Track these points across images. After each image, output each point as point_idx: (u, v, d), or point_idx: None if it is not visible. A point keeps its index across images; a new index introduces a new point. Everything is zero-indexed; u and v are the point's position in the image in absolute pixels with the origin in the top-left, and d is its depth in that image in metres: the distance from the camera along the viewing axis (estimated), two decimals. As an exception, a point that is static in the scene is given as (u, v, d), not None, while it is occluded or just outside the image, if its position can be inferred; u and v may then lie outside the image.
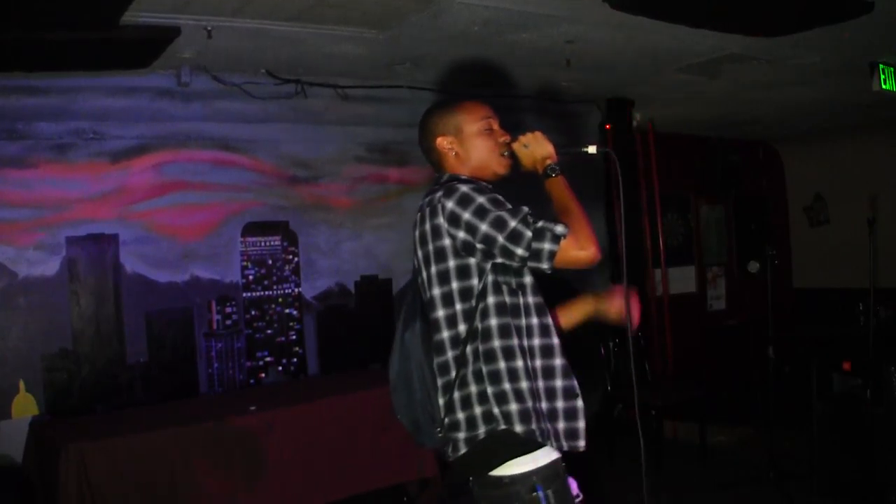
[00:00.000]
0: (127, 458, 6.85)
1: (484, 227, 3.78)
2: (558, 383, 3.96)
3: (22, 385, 8.10)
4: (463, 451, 3.88)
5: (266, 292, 9.58)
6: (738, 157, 14.26)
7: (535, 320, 3.99)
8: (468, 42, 7.92)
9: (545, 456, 3.86)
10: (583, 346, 11.27)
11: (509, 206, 3.91)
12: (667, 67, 9.32)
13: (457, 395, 3.85)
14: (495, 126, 4.44)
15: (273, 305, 9.63)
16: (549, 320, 4.05)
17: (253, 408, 7.91)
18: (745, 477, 9.24)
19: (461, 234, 3.82)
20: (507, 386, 3.78)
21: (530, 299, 4.00)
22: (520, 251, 3.76)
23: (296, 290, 9.77)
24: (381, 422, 8.37)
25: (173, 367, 8.93)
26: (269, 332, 9.57)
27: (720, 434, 10.55)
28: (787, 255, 15.08)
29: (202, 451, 7.33)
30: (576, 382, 4.01)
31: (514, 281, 3.94)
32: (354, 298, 10.19)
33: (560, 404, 3.94)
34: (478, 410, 3.81)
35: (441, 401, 3.93)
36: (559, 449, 3.94)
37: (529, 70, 9.21)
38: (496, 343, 3.82)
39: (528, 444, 3.79)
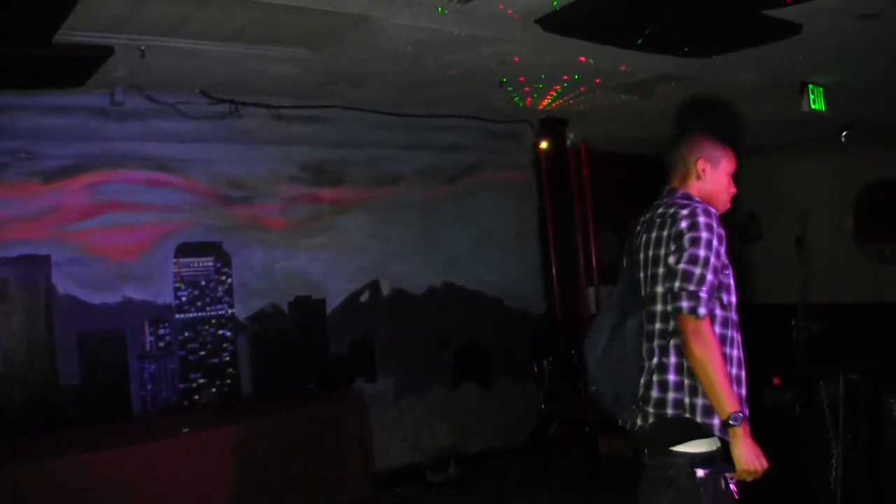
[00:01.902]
0: (62, 481, 6.82)
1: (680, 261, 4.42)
2: (742, 391, 4.47)
3: (-47, 408, 8.04)
4: (648, 424, 4.51)
5: (199, 313, 9.53)
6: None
7: (737, 335, 4.56)
8: (402, 62, 7.92)
9: (709, 445, 4.45)
10: (517, 363, 11.35)
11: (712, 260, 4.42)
12: (599, 87, 9.37)
13: (655, 378, 4.48)
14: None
15: (206, 327, 9.58)
16: (736, 333, 4.55)
17: (186, 429, 7.88)
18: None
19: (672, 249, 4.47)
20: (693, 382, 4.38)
21: (734, 316, 4.57)
22: (669, 307, 4.40)
23: (229, 311, 9.73)
24: (315, 441, 8.38)
25: (106, 389, 8.85)
26: (202, 353, 9.52)
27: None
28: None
29: (137, 473, 7.30)
30: (744, 391, 4.48)
31: (724, 297, 4.52)
32: (288, 319, 10.15)
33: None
34: (671, 396, 4.42)
35: (642, 380, 4.55)
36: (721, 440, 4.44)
37: (464, 90, 9.22)
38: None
39: (699, 432, 4.39)
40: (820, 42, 7.72)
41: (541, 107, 10.33)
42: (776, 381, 8.88)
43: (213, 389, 9.54)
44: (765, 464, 4.42)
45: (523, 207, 12.14)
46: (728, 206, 4.92)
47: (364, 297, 10.78)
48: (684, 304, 4.26)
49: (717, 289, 4.43)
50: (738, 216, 15.00)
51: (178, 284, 9.38)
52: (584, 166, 12.11)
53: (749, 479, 4.41)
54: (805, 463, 8.19)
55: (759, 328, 12.91)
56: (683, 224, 4.45)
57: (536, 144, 11.55)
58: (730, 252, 4.60)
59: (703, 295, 4.26)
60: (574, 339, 11.14)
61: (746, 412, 4.37)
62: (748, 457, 4.34)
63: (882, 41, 7.78)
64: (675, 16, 6.84)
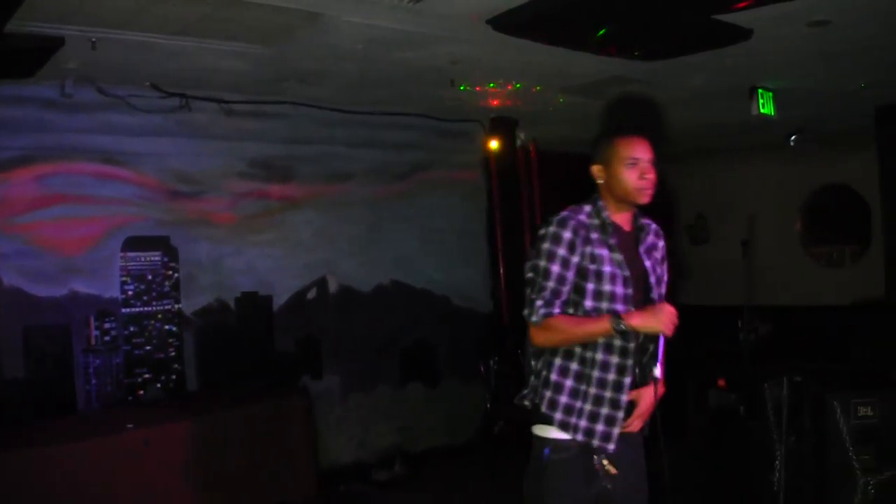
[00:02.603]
0: (3, 476, 6.77)
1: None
2: (607, 394, 4.79)
3: None
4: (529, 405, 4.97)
5: (145, 308, 9.49)
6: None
7: (601, 338, 4.76)
8: (354, 60, 7.92)
9: (560, 433, 4.82)
10: (465, 362, 11.36)
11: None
12: (549, 88, 9.39)
13: (532, 368, 5.01)
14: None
15: (152, 321, 9.54)
16: (617, 342, 4.77)
17: (130, 425, 7.84)
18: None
19: None
20: (558, 379, 4.86)
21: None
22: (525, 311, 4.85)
23: (175, 306, 9.69)
24: (260, 439, 8.37)
25: (51, 383, 8.79)
26: (148, 348, 9.48)
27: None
28: (669, 272, 15.10)
29: (80, 469, 7.26)
30: (623, 397, 4.81)
31: (586, 303, 4.79)
32: (235, 315, 10.13)
33: (604, 411, 4.79)
34: (533, 384, 4.96)
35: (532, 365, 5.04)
36: (586, 442, 4.79)
37: (415, 88, 9.23)
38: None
39: (544, 419, 4.85)
40: (770, 47, 7.78)
41: (492, 106, 10.34)
42: (721, 382, 8.92)
43: (159, 385, 9.50)
44: (668, 310, 4.73)
45: (472, 207, 12.16)
46: (644, 193, 4.86)
47: (311, 295, 10.77)
48: (525, 310, 4.80)
49: (579, 293, 4.79)
50: (685, 218, 15.10)
51: (124, 278, 9.34)
52: (534, 166, 12.13)
53: (669, 334, 4.77)
54: (749, 464, 8.24)
55: (706, 330, 13.04)
56: (539, 233, 4.90)
57: (486, 144, 11.55)
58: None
59: (538, 303, 4.73)
60: (520, 340, 11.17)
61: (618, 310, 4.73)
62: (651, 320, 4.68)
63: (832, 47, 7.84)
64: (625, 19, 6.88)
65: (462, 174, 12.12)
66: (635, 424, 4.90)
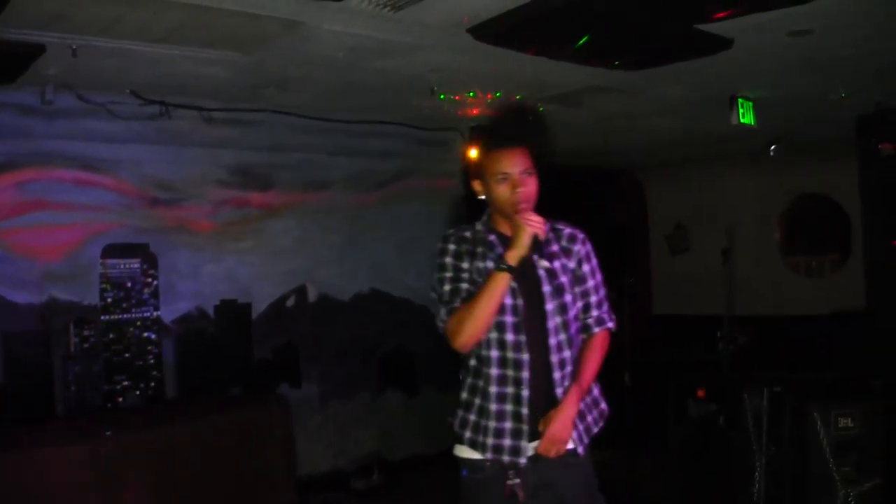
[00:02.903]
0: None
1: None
2: (507, 407, 4.79)
3: None
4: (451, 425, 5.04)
5: (125, 315, 9.50)
6: (601, 185, 14.33)
7: (493, 353, 4.82)
8: (333, 68, 7.92)
9: (473, 452, 4.88)
10: (443, 371, 11.35)
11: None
12: (529, 97, 9.40)
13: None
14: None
15: (132, 329, 9.55)
16: (509, 354, 4.79)
17: (109, 432, 7.84)
18: (606, 500, 9.32)
19: None
20: (468, 397, 4.97)
21: (490, 334, 4.82)
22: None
23: (154, 313, 9.70)
24: (239, 446, 8.38)
25: (30, 390, 8.79)
26: (127, 355, 9.49)
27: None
28: (647, 282, 15.19)
29: (58, 476, 7.26)
30: (524, 410, 4.76)
31: None
32: (214, 322, 10.14)
33: (508, 425, 4.79)
34: (458, 407, 5.00)
35: None
36: (496, 459, 4.81)
37: (394, 97, 9.22)
38: (471, 362, 4.96)
39: (457, 439, 4.95)
40: (751, 57, 7.77)
41: (472, 115, 10.34)
42: (701, 392, 8.95)
43: (137, 392, 9.50)
44: (536, 219, 4.71)
45: (452, 215, 12.12)
46: (520, 207, 4.81)
47: (290, 302, 10.79)
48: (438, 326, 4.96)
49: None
50: (664, 227, 15.09)
51: (104, 286, 9.34)
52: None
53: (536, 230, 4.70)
54: (729, 475, 8.28)
55: (685, 339, 13.05)
56: None
57: (466, 153, 11.54)
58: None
59: (441, 309, 4.88)
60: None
61: (507, 321, 4.78)
62: (524, 236, 4.64)
63: (813, 56, 7.85)
64: (606, 28, 6.89)
65: (442, 183, 12.11)
66: (550, 451, 4.76)
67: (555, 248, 5.01)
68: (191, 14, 6.25)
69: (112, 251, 9.36)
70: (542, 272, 4.87)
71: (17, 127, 8.47)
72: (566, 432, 4.76)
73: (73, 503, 7.36)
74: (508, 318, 4.75)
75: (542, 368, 4.79)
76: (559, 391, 4.80)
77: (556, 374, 4.80)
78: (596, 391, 5.14)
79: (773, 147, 11.43)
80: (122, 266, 9.47)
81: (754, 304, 12.92)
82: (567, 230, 5.14)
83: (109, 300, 9.40)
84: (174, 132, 9.31)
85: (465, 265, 4.86)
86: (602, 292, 5.15)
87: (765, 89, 9.11)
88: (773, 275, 13.59)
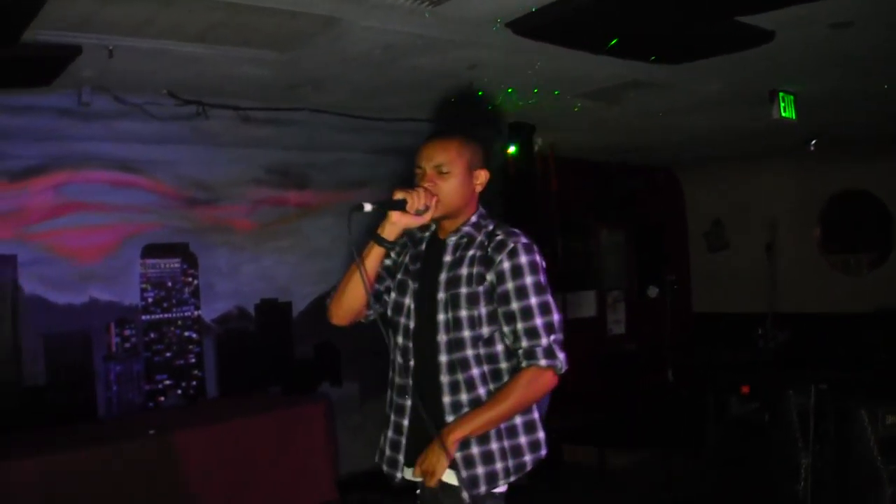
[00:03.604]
0: (25, 482, 6.77)
1: None
2: (392, 416, 4.61)
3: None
4: None
5: (165, 315, 9.51)
6: (638, 182, 14.29)
7: (392, 356, 4.65)
8: (370, 65, 7.89)
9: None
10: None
11: None
12: (568, 93, 9.35)
13: None
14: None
15: (172, 328, 9.56)
16: (399, 359, 4.56)
17: (151, 431, 7.85)
18: (643, 500, 9.29)
19: None
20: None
21: (398, 340, 4.60)
22: None
23: (195, 312, 9.72)
24: (280, 445, 8.36)
25: (71, 390, 8.82)
26: (168, 354, 9.50)
27: (619, 457, 10.58)
28: (686, 280, 15.18)
29: (100, 476, 7.27)
30: (405, 421, 4.49)
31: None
32: (254, 321, 10.14)
33: (389, 433, 4.62)
34: None
35: None
36: (388, 473, 4.64)
37: (432, 94, 9.19)
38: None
39: None
40: (791, 50, 7.70)
41: (509, 112, 10.30)
42: (745, 389, 8.87)
43: (179, 391, 9.52)
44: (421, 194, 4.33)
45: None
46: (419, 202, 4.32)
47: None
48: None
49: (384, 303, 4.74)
50: (702, 224, 15.02)
51: (144, 285, 9.36)
52: (552, 172, 12.12)
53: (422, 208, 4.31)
54: (772, 473, 8.21)
55: (724, 337, 12.99)
56: None
57: (504, 149, 11.51)
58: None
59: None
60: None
61: (399, 321, 4.58)
62: (413, 208, 4.28)
63: (854, 50, 7.77)
64: (646, 22, 6.84)
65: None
66: (425, 479, 4.26)
67: (470, 252, 4.43)
68: (227, 12, 6.24)
69: (152, 251, 9.39)
70: (442, 277, 4.40)
71: (54, 129, 8.50)
72: (438, 466, 4.19)
73: (118, 503, 7.37)
74: (402, 320, 4.53)
75: (430, 386, 4.37)
76: (449, 418, 4.29)
77: (446, 399, 4.30)
78: (523, 439, 4.44)
79: (812, 142, 11.36)
80: (162, 266, 9.49)
81: (793, 300, 12.87)
82: (500, 236, 4.43)
83: (150, 300, 9.42)
84: (211, 132, 9.31)
85: (388, 262, 4.65)
86: (539, 321, 4.28)
87: (805, 84, 9.05)
88: (812, 272, 13.52)
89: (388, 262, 4.62)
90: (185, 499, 7.76)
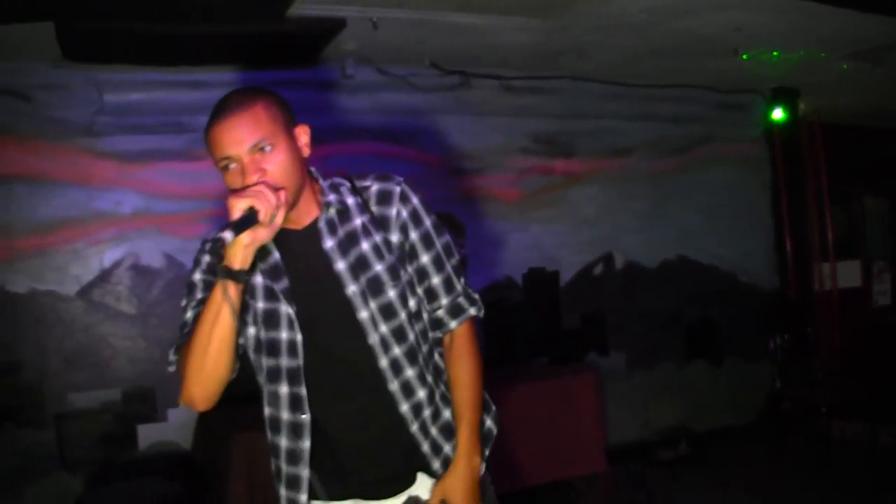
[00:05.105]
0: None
1: None
2: (282, 442, 3.42)
3: (190, 373, 8.23)
4: None
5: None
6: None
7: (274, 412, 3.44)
8: (632, 30, 7.81)
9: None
10: (748, 340, 11.13)
11: None
12: (833, 55, 9.09)
13: None
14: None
15: (445, 296, 9.59)
16: (287, 414, 3.37)
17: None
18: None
19: None
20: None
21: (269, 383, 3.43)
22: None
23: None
24: (549, 415, 8.35)
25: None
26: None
27: (890, 434, 10.27)
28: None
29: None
30: (304, 445, 3.37)
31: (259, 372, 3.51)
32: (522, 291, 10.15)
33: (283, 466, 3.45)
34: None
35: None
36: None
37: (695, 59, 9.05)
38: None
39: None
40: None
41: (773, 76, 10.09)
42: None
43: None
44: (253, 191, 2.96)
45: (754, 180, 11.93)
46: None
47: (597, 270, 10.70)
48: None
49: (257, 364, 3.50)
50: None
51: (411, 256, 9.42)
52: (818, 138, 11.85)
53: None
54: None
55: None
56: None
57: (768, 115, 11.32)
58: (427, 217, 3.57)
59: (171, 351, 3.39)
60: (808, 316, 10.91)
61: (278, 364, 3.32)
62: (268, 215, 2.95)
63: None
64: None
65: (743, 147, 11.85)
66: None
67: (356, 222, 3.39)
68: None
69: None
70: (340, 266, 3.31)
71: (318, 102, 8.65)
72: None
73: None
74: (281, 362, 3.33)
75: (382, 413, 3.39)
76: (424, 430, 3.45)
77: (404, 407, 3.39)
78: (489, 421, 3.77)
79: None
80: (430, 236, 9.53)
81: None
82: (375, 187, 3.49)
83: (418, 269, 9.46)
84: (474, 102, 9.38)
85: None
86: (450, 265, 3.61)
87: None
88: None
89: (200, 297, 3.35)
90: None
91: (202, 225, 8.24)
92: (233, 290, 3.00)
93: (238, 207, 2.89)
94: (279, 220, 3.02)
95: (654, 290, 11.06)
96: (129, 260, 8.14)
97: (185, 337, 3.20)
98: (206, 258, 3.33)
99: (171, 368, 3.27)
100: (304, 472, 3.34)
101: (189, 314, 3.30)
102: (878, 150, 13.12)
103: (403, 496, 3.47)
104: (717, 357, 11.57)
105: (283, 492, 3.43)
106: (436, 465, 3.46)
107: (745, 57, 8.96)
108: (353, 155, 8.98)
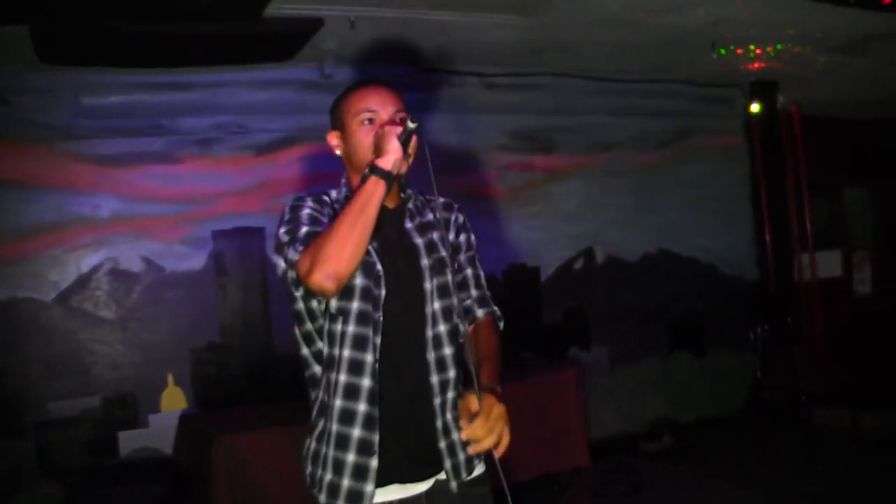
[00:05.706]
0: (274, 450, 6.86)
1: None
2: (355, 432, 3.46)
3: (171, 378, 8.19)
4: None
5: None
6: (884, 137, 13.84)
7: (337, 351, 3.51)
8: (613, 26, 7.82)
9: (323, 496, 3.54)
10: (731, 331, 11.15)
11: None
12: (811, 48, 9.11)
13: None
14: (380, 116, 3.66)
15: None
16: (367, 356, 3.45)
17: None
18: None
19: None
20: (315, 415, 3.61)
21: (349, 328, 3.50)
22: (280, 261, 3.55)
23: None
24: (535, 411, 8.33)
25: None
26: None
27: (872, 420, 10.30)
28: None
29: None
30: (374, 437, 3.46)
31: (325, 303, 3.58)
32: (503, 286, 10.12)
33: (350, 457, 3.47)
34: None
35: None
36: None
37: (674, 54, 9.07)
38: (306, 371, 3.66)
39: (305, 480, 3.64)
40: None
41: (751, 69, 10.12)
42: None
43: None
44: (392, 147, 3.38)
45: (734, 173, 12.00)
46: (372, 153, 3.54)
47: (578, 265, 10.70)
48: (279, 258, 3.58)
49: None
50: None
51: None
52: (797, 130, 11.90)
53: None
54: None
55: None
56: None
57: (747, 108, 11.37)
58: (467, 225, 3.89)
59: (289, 251, 3.47)
60: (788, 306, 10.92)
61: (350, 308, 3.48)
62: (390, 138, 3.39)
63: None
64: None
65: (724, 140, 11.92)
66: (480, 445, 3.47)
67: (428, 216, 3.85)
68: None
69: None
70: (419, 242, 3.69)
71: (298, 102, 8.63)
72: (496, 436, 3.60)
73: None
74: (370, 303, 3.48)
75: (410, 373, 3.58)
76: (443, 408, 3.64)
77: (434, 378, 3.61)
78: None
79: None
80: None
81: None
82: (440, 199, 3.90)
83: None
84: (456, 99, 9.37)
85: (326, 221, 3.51)
86: (481, 269, 4.00)
87: None
88: None
89: (325, 220, 3.58)
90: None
91: (181, 228, 8.24)
92: (380, 186, 3.33)
93: (404, 124, 3.41)
94: (405, 166, 3.54)
95: (635, 284, 11.08)
96: (107, 265, 8.09)
97: (308, 236, 3.38)
98: (312, 203, 3.60)
99: (292, 261, 3.37)
100: (369, 409, 3.44)
101: (304, 228, 3.43)
102: (858, 141, 13.15)
103: (430, 481, 3.63)
104: (700, 349, 11.60)
105: (345, 482, 3.46)
106: (441, 444, 3.62)
107: (722, 52, 8.98)
108: (332, 155, 8.94)
